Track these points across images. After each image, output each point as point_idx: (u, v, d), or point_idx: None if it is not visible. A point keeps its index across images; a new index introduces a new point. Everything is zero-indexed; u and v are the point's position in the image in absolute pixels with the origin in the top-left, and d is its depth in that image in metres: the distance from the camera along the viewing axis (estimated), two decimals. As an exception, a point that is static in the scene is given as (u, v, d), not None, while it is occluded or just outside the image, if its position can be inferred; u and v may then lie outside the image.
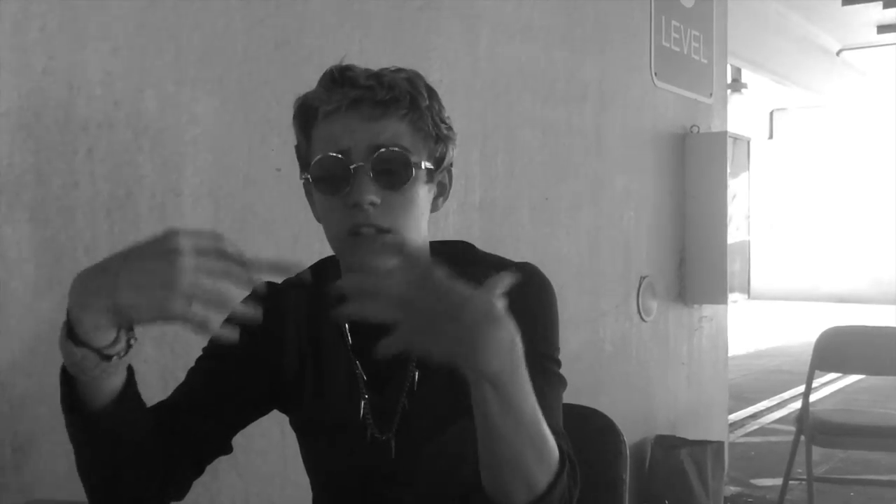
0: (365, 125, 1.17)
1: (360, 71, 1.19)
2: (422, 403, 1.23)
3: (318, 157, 1.19)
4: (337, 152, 1.17)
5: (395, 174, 1.17)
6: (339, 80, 1.18)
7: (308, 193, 1.27)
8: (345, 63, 1.21)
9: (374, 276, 0.92)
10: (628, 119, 3.89)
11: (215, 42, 2.08)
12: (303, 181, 1.25)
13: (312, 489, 1.35)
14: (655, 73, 4.06)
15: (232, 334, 0.97)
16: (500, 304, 0.93)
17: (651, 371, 4.10)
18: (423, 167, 1.20)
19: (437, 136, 1.23)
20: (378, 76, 1.19)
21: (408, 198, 1.19)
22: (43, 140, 1.73)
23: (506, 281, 0.95)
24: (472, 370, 0.93)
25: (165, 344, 1.95)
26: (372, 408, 1.25)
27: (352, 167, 1.16)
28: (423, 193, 1.22)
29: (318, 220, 1.26)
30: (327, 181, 1.18)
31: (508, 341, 0.92)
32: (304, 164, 1.24)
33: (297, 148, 1.26)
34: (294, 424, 1.34)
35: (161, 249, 0.94)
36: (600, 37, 3.67)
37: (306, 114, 1.22)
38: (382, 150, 1.17)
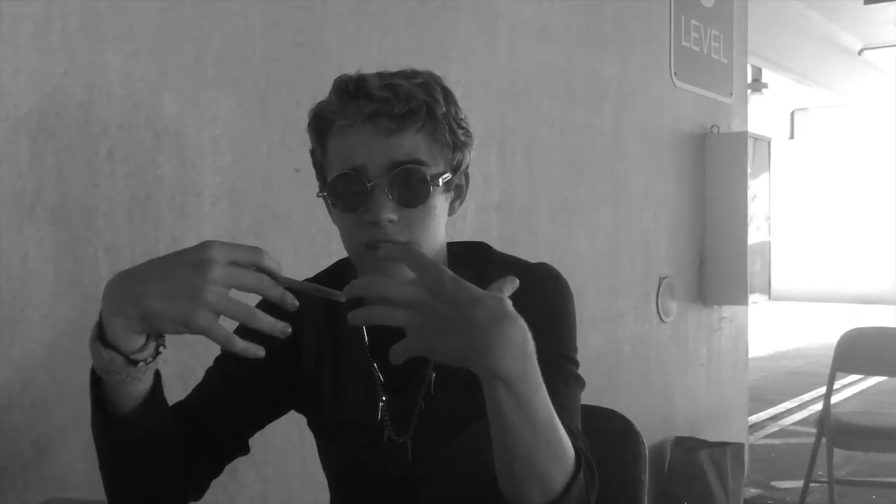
0: (381, 140, 1.16)
1: (374, 82, 1.17)
2: (439, 405, 1.23)
3: (335, 175, 1.18)
4: (352, 168, 1.16)
5: (412, 191, 1.16)
6: (354, 92, 1.16)
7: (325, 194, 1.26)
8: (361, 72, 1.20)
9: (382, 280, 0.92)
10: (648, 119, 3.88)
11: (234, 43, 2.08)
12: (322, 182, 1.24)
13: (330, 489, 1.35)
14: (675, 73, 4.04)
15: (257, 351, 0.97)
16: (510, 304, 0.92)
17: (670, 372, 4.08)
18: (440, 181, 1.19)
19: (455, 143, 1.21)
20: (393, 87, 1.16)
21: (425, 211, 1.18)
22: (63, 141, 1.74)
23: (514, 282, 0.95)
24: (484, 370, 0.92)
25: (185, 344, 1.96)
26: (389, 409, 1.25)
27: (369, 185, 1.15)
28: (441, 202, 1.21)
29: (337, 221, 1.26)
30: (344, 199, 1.17)
31: (520, 341, 0.92)
32: (320, 170, 1.24)
33: (313, 153, 1.26)
34: (311, 425, 1.34)
35: (193, 260, 0.93)
36: (620, 37, 3.66)
37: (321, 124, 1.21)
38: (400, 167, 1.15)
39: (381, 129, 1.15)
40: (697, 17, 4.22)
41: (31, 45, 1.70)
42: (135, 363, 0.98)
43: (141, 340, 0.98)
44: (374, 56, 2.41)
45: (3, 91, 1.66)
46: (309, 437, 1.36)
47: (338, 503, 1.35)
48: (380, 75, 1.19)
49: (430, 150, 1.18)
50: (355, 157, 1.16)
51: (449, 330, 0.90)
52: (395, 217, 1.15)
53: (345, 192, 1.17)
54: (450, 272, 0.92)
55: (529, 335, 0.93)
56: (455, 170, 1.23)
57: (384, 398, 1.25)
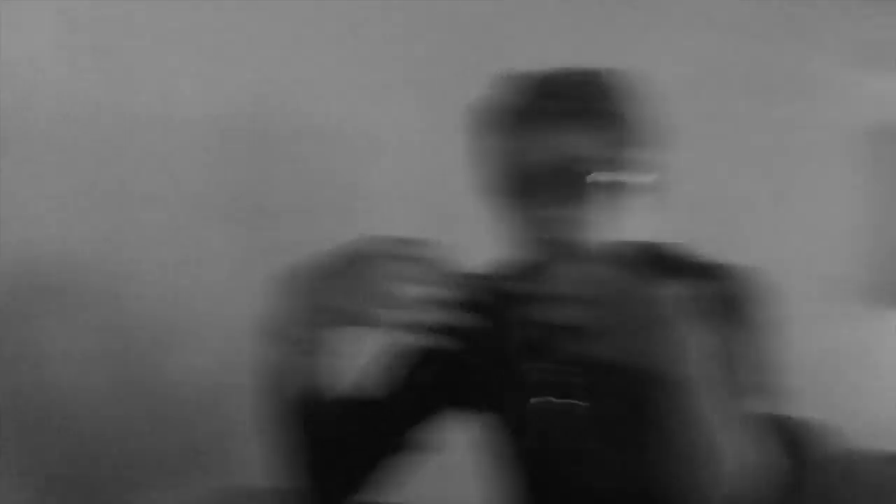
0: (572, 138, 1.14)
1: (566, 79, 1.17)
2: (595, 407, 1.19)
3: (524, 164, 1.16)
4: (543, 162, 1.14)
5: (601, 189, 1.14)
6: (546, 88, 1.16)
7: (494, 191, 1.24)
8: (549, 67, 1.20)
9: (563, 279, 0.91)
10: (843, 114, 3.68)
11: (404, 45, 2.09)
12: (491, 180, 1.22)
13: (507, 485, 1.34)
14: (859, 64, 3.81)
15: (440, 341, 0.98)
16: (690, 306, 0.91)
17: (886, 379, 3.86)
18: (630, 182, 1.17)
19: (643, 143, 1.19)
20: (584, 85, 1.16)
21: (616, 211, 1.17)
22: (239, 144, 1.79)
23: (697, 283, 0.92)
24: (659, 373, 0.90)
25: (356, 340, 1.98)
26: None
27: (560, 178, 1.13)
28: (630, 203, 1.19)
29: (506, 219, 1.24)
30: (531, 189, 1.16)
31: (697, 345, 0.90)
32: (498, 165, 1.22)
33: (489, 147, 1.23)
34: (477, 423, 1.34)
35: (359, 255, 0.97)
36: (799, 25, 3.50)
37: (506, 116, 1.20)
38: (590, 164, 1.13)
39: (572, 128, 1.14)
40: (886, 5, 3.95)
41: (207, 51, 1.75)
42: (312, 354, 1.00)
43: (319, 334, 1.01)
44: (558, 53, 2.36)
45: (180, 97, 1.72)
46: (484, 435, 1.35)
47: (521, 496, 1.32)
48: (574, 72, 1.19)
49: (622, 151, 1.16)
50: (543, 153, 1.15)
51: (626, 330, 0.89)
52: (582, 213, 1.13)
53: (541, 184, 1.14)
54: (629, 272, 0.89)
55: (710, 338, 0.91)
56: (644, 171, 1.19)
57: (536, 399, 1.22)
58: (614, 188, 1.16)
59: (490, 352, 1.28)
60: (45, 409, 1.65)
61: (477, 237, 2.22)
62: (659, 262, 1.23)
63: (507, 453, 1.30)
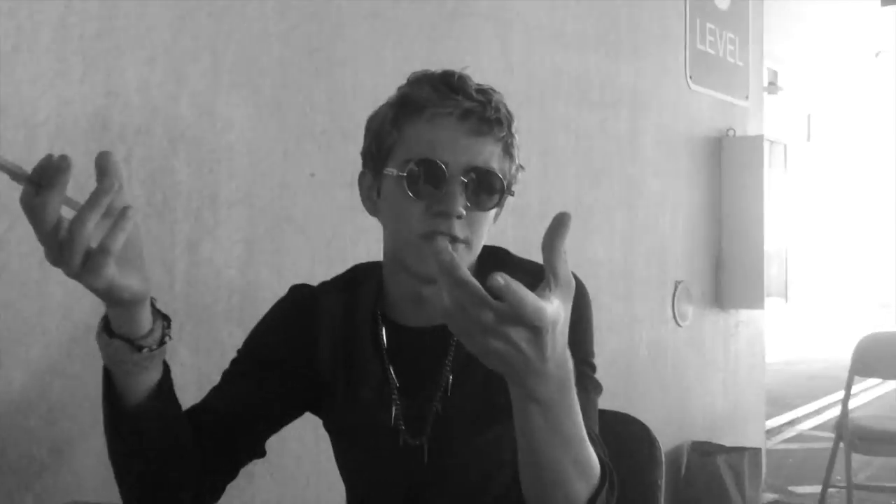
0: (467, 140, 1.18)
1: (471, 83, 1.20)
2: (455, 408, 1.23)
3: (419, 158, 1.18)
4: (437, 158, 1.17)
5: (487, 195, 1.19)
6: (456, 87, 1.19)
7: (368, 186, 1.26)
8: (460, 72, 1.21)
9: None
10: (663, 122, 3.87)
11: (250, 49, 2.09)
12: (376, 174, 1.24)
13: (347, 493, 1.35)
14: (690, 77, 4.03)
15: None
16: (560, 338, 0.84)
17: (687, 377, 4.06)
18: (507, 192, 1.22)
19: (516, 159, 1.25)
20: (486, 93, 1.20)
21: (487, 217, 1.22)
22: (80, 147, 1.75)
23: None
24: (518, 392, 0.91)
25: (201, 348, 1.97)
26: (404, 413, 1.24)
27: (450, 177, 1.16)
28: (495, 211, 1.24)
29: (373, 213, 1.27)
30: (421, 183, 1.18)
31: (561, 373, 0.89)
32: (383, 155, 1.23)
33: (379, 137, 1.24)
34: (327, 427, 1.35)
35: None
36: (634, 40, 3.65)
37: (408, 108, 1.21)
38: (478, 169, 1.18)
39: (472, 130, 1.18)
40: (713, 20, 4.20)
41: (48, 52, 1.71)
42: (140, 349, 1.00)
43: (143, 326, 1.00)
44: (390, 61, 2.41)
45: (21, 98, 1.67)
46: (325, 440, 1.36)
47: (355, 507, 1.31)
48: (475, 82, 1.21)
49: (502, 162, 1.21)
50: (440, 149, 1.17)
51: (489, 346, 0.83)
52: (463, 213, 1.17)
53: (424, 177, 1.17)
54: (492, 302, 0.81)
55: (570, 358, 0.90)
56: (510, 185, 1.24)
57: (398, 402, 1.25)
58: (504, 199, 1.22)
59: (341, 356, 1.28)
60: None
61: (325, 243, 2.24)
62: (502, 266, 1.26)
63: (360, 455, 1.30)
